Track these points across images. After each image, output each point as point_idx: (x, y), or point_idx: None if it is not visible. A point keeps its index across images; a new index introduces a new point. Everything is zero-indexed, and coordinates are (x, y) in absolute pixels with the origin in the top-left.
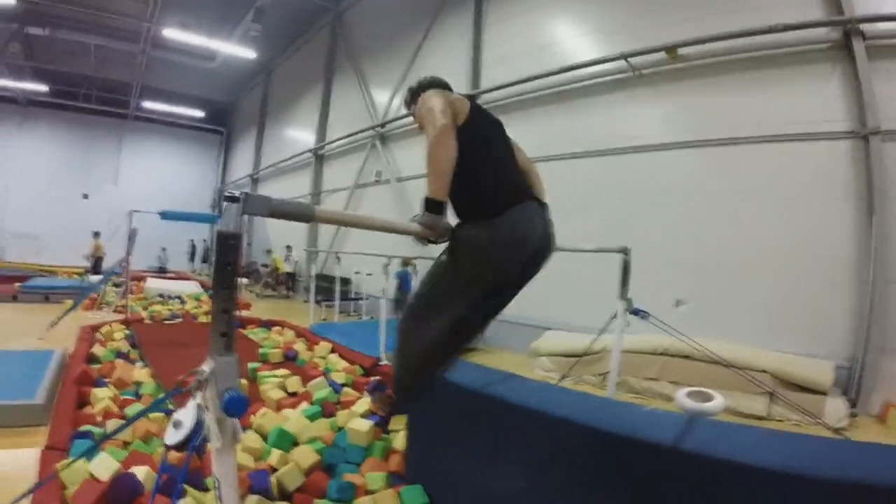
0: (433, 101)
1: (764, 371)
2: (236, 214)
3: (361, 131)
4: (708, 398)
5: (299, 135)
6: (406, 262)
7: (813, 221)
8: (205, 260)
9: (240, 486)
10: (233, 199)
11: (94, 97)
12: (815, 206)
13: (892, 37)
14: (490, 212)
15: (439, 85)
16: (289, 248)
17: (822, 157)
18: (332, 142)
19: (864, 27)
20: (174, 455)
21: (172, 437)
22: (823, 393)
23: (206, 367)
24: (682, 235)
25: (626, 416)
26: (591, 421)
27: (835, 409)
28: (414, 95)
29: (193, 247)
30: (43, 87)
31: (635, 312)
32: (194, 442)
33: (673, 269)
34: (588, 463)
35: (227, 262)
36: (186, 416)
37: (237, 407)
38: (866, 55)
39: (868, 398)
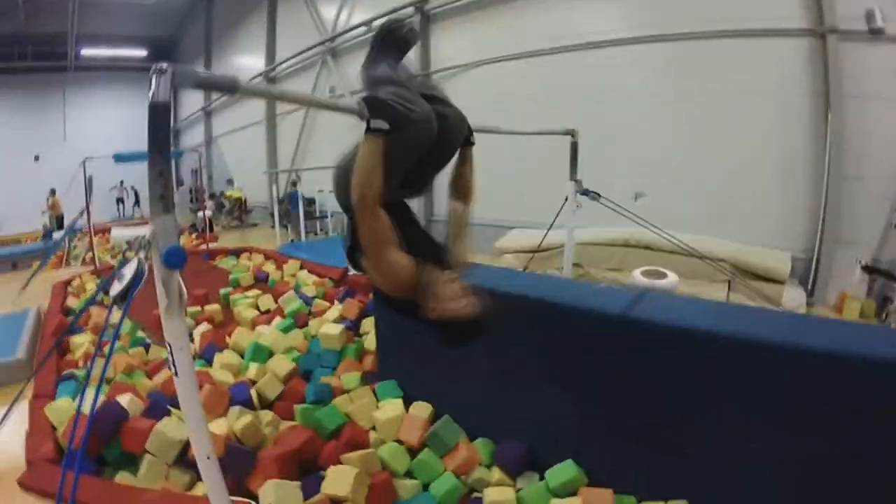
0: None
1: (723, 260)
2: (165, 85)
3: (311, 48)
4: (661, 276)
5: (248, 60)
6: None
7: (771, 118)
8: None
9: (221, 400)
10: (161, 72)
11: (29, 54)
12: (774, 103)
13: None
14: None
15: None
16: (229, 181)
17: (781, 54)
18: (281, 63)
19: None
20: (159, 380)
21: (115, 289)
22: (781, 282)
23: (147, 230)
24: (641, 132)
25: (579, 292)
26: (546, 296)
27: (792, 297)
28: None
29: (136, 193)
30: None
31: (585, 193)
32: (134, 289)
33: (632, 166)
34: (545, 337)
35: (159, 127)
36: (128, 269)
37: (177, 258)
38: None
39: (825, 289)
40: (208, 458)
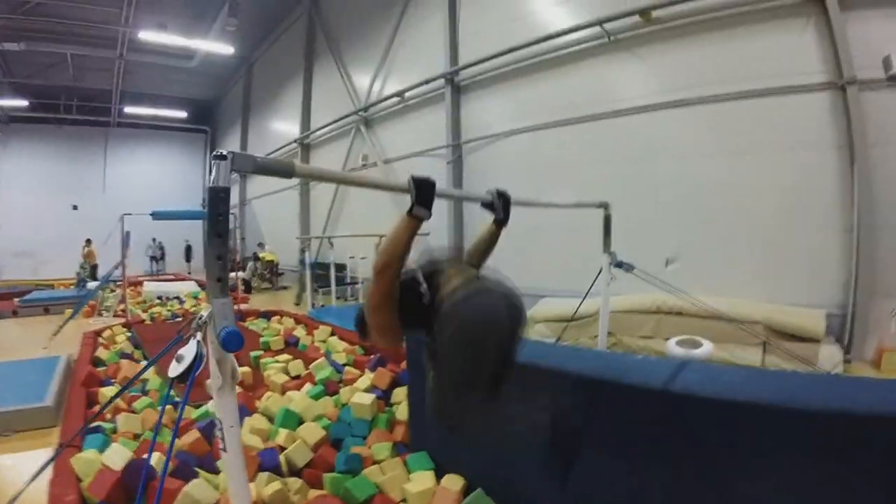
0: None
1: (756, 322)
2: (225, 171)
3: (345, 117)
4: (697, 345)
5: (284, 126)
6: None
7: (797, 173)
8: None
9: (250, 465)
10: (221, 157)
11: (75, 107)
12: (799, 158)
13: None
14: None
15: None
16: (260, 245)
17: (803, 109)
18: (316, 130)
19: None
20: (187, 441)
21: (175, 370)
22: (817, 340)
23: (204, 311)
24: (668, 195)
25: (617, 363)
26: (583, 369)
27: (829, 355)
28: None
29: (189, 247)
30: (23, 103)
31: (619, 265)
32: (195, 372)
33: (661, 230)
34: (583, 410)
35: (218, 213)
36: (188, 351)
37: (234, 342)
38: (838, 5)
39: (862, 344)
40: None
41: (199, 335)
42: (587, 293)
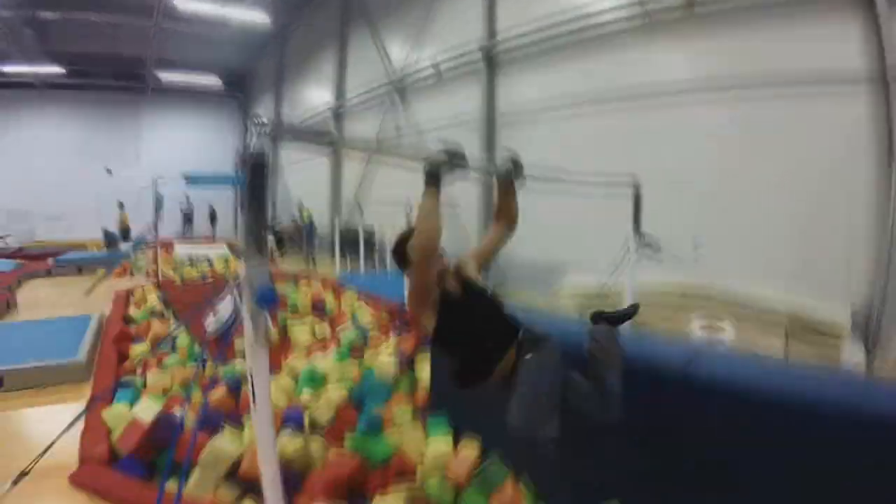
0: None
1: (781, 312)
2: (264, 137)
3: (378, 87)
4: (719, 330)
5: (317, 95)
6: None
7: (833, 166)
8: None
9: (275, 422)
10: (261, 124)
11: (110, 74)
12: (836, 151)
13: None
14: None
15: None
16: (301, 204)
17: (843, 101)
18: (349, 99)
19: None
20: (214, 396)
21: (211, 325)
22: (840, 336)
23: (240, 271)
24: (701, 180)
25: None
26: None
27: (852, 352)
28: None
29: (213, 212)
30: (59, 70)
31: (648, 245)
32: (231, 327)
33: (692, 213)
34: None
35: (257, 180)
36: (224, 308)
37: (269, 299)
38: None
39: (886, 343)
40: (273, 481)
41: (235, 293)
42: (614, 271)
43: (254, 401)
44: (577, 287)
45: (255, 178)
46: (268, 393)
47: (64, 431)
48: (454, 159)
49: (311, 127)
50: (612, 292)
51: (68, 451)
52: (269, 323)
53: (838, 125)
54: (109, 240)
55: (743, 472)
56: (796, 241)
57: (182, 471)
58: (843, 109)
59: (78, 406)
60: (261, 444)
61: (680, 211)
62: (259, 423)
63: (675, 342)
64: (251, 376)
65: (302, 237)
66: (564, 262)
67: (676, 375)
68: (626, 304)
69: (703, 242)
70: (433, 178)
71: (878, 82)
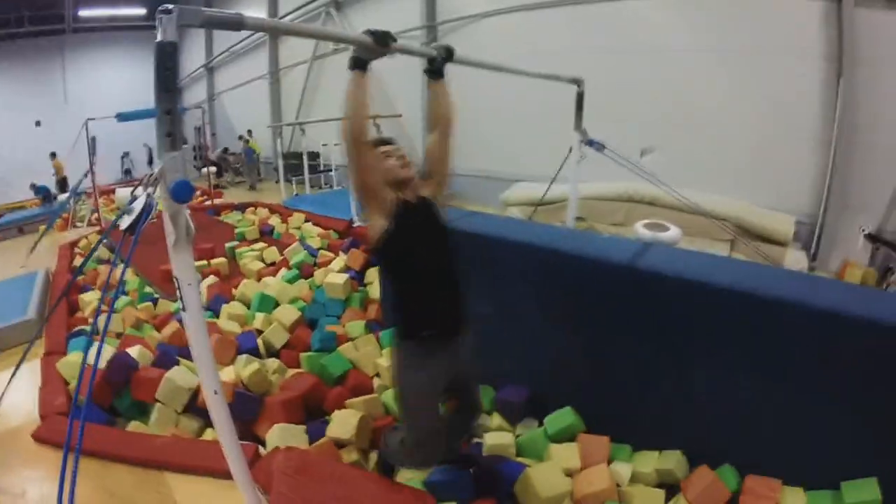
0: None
1: (726, 220)
2: (171, 24)
3: (314, 0)
4: (664, 229)
5: (250, 13)
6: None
7: (782, 80)
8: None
9: (229, 349)
10: (166, 11)
11: (26, 18)
12: (786, 65)
13: None
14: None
15: None
16: (249, 132)
17: (796, 16)
18: (284, 16)
19: None
20: (167, 333)
21: (124, 222)
22: (784, 244)
23: (155, 166)
24: (650, 88)
25: (584, 241)
26: (554, 245)
27: (795, 259)
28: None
29: (150, 151)
30: None
31: (590, 143)
32: (143, 221)
33: (641, 121)
34: (549, 286)
35: (167, 67)
36: (137, 203)
37: (184, 192)
38: None
39: (828, 254)
40: (215, 392)
41: (149, 189)
42: (558, 172)
43: (183, 307)
44: (523, 195)
45: (163, 63)
46: (197, 295)
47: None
48: (380, 39)
49: (218, 11)
50: (558, 199)
51: (30, 408)
52: (190, 220)
53: (791, 40)
54: (42, 194)
55: (687, 366)
56: (745, 152)
57: None
58: (797, 25)
59: (35, 365)
60: (195, 350)
61: (630, 120)
62: (191, 327)
63: (624, 241)
64: (177, 280)
65: (244, 165)
66: (512, 173)
67: (625, 271)
68: (570, 204)
69: (652, 149)
70: (358, 63)
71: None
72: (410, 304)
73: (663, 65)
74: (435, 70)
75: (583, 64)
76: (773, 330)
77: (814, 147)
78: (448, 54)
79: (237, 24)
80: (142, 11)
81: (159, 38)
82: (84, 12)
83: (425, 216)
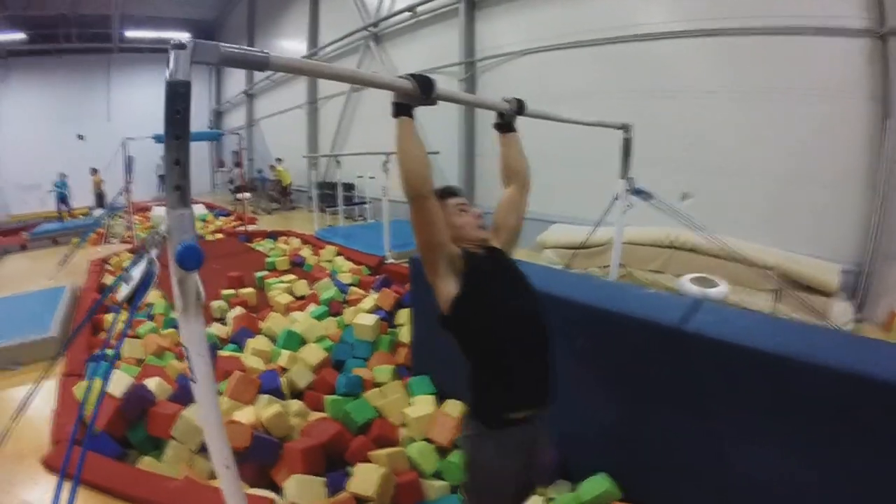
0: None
1: (770, 268)
2: (184, 61)
3: (353, 33)
4: (712, 285)
5: (290, 45)
6: None
7: (825, 122)
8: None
9: (250, 387)
10: (180, 47)
11: (74, 36)
12: (828, 107)
13: None
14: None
15: None
16: (278, 160)
17: (837, 55)
18: (323, 47)
19: None
20: (185, 365)
21: (122, 293)
22: (829, 294)
23: (162, 225)
24: (690, 131)
25: (629, 297)
26: (593, 300)
27: (840, 311)
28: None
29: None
30: (21, 36)
31: (637, 192)
32: (140, 295)
33: (679, 166)
34: (588, 343)
35: (176, 110)
36: (137, 270)
37: (192, 258)
38: None
39: (874, 305)
40: (227, 467)
41: (152, 251)
42: (602, 218)
43: (192, 378)
44: (561, 238)
45: (173, 105)
46: (208, 367)
47: (15, 415)
48: (424, 86)
49: (239, 48)
50: (596, 244)
51: (43, 431)
52: (200, 286)
53: (833, 80)
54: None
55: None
56: (783, 197)
57: None
58: (838, 64)
59: (52, 384)
60: (206, 424)
61: (668, 163)
62: (202, 401)
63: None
64: (186, 350)
65: (282, 193)
66: (549, 215)
67: (671, 332)
68: (614, 254)
69: (691, 195)
70: (402, 108)
71: (876, 37)
72: (494, 381)
73: (698, 107)
74: (505, 124)
75: (616, 103)
76: (836, 403)
77: (858, 191)
78: (520, 108)
79: (262, 64)
80: (187, 35)
81: (169, 75)
82: (130, 33)
83: (503, 268)
